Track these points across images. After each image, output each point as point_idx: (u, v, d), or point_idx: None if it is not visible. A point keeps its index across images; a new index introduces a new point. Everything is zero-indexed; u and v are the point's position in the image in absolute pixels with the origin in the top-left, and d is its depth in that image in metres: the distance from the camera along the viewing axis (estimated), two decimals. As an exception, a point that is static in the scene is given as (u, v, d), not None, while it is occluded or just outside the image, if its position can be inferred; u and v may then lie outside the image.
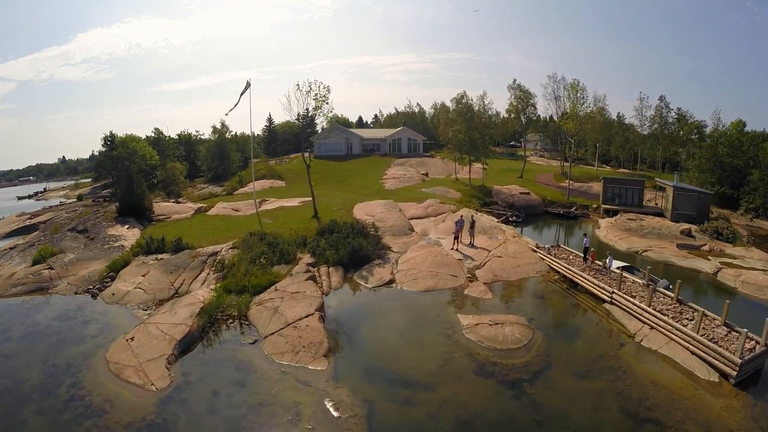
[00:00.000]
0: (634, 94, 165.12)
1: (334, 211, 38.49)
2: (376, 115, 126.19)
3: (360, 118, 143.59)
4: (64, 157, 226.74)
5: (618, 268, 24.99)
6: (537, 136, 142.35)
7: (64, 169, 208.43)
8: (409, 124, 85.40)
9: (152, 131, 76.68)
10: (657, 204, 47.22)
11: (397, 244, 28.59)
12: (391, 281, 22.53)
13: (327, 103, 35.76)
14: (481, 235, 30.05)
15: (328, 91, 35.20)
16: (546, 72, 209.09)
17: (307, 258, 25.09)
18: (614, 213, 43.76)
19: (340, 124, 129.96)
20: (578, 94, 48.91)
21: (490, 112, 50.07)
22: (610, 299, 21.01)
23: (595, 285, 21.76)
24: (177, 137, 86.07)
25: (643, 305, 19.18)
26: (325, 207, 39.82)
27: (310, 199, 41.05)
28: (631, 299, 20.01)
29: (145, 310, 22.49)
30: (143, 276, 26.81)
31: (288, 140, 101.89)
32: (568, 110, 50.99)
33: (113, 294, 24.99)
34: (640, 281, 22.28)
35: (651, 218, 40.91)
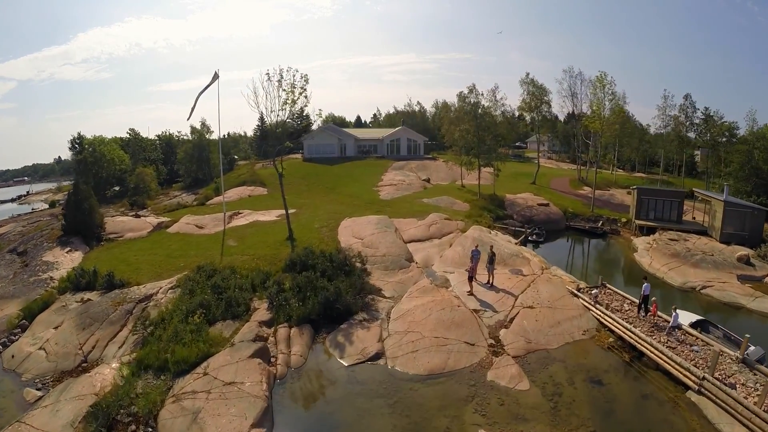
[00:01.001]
0: (636, 94, 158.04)
1: (315, 229, 31.73)
2: (375, 115, 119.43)
3: (358, 118, 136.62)
4: (60, 157, 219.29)
5: (691, 324, 18.25)
6: (544, 137, 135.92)
7: (59, 169, 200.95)
8: (409, 124, 78.66)
9: (127, 132, 70.01)
10: (694, 218, 40.42)
11: (390, 283, 21.80)
12: (379, 354, 15.66)
13: (304, 96, 28.92)
14: (500, 266, 23.26)
15: (306, 81, 28.39)
16: (549, 71, 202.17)
17: (263, 310, 18.31)
18: (649, 230, 36.93)
19: (335, 124, 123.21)
20: (606, 89, 42.00)
21: (504, 109, 43.05)
22: (698, 387, 14.26)
23: (676, 365, 14.98)
24: (156, 138, 79.40)
25: (751, 406, 12.52)
26: (305, 224, 33.08)
27: (291, 211, 34.54)
28: (731, 392, 13.29)
29: (39, 390, 15.83)
30: (55, 329, 20.16)
31: (283, 140, 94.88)
32: (590, 108, 44.06)
33: (13, 356, 18.47)
34: (733, 354, 15.55)
35: (696, 238, 34.06)
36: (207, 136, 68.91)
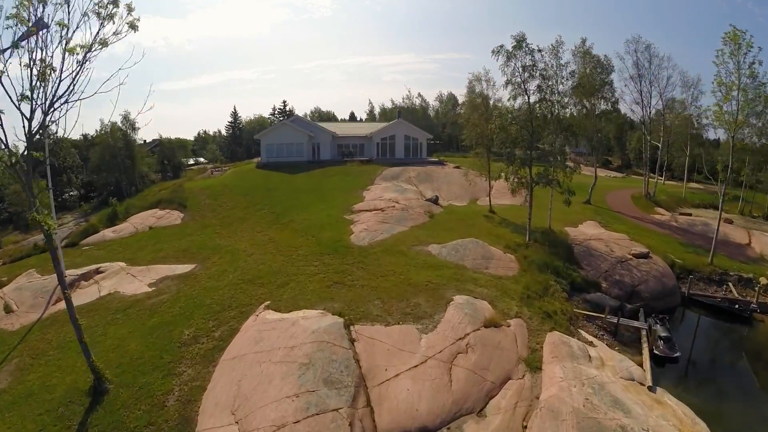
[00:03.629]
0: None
1: (165, 354, 13.61)
2: (369, 111, 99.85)
3: (352, 115, 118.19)
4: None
5: None
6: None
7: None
8: (408, 119, 60.44)
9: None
10: None
11: None
12: None
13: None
14: None
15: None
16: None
17: None
18: None
19: (321, 119, 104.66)
20: (744, 57, 23.44)
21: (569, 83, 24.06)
22: None
23: None
24: (81, 138, 61.44)
25: None
26: (163, 327, 15.07)
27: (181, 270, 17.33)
28: None
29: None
30: None
31: (258, 141, 76.74)
32: (720, 87, 25.13)
33: None
34: None
35: None
36: (133, 135, 50.72)
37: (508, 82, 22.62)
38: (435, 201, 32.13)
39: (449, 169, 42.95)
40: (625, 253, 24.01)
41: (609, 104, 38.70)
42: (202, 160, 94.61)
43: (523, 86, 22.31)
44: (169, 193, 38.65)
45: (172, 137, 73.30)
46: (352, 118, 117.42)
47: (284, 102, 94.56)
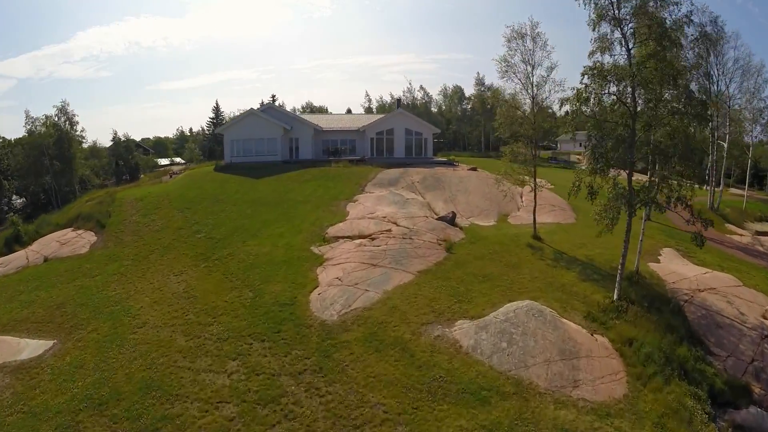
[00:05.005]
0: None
1: None
2: (369, 106, 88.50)
3: (348, 111, 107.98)
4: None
5: None
6: (576, 134, 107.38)
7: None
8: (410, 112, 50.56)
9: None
10: None
11: None
12: None
13: None
14: None
15: None
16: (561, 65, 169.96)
17: None
18: None
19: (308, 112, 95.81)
20: None
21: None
22: None
23: None
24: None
25: None
26: None
27: (38, 350, 14.54)
28: None
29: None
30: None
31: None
32: None
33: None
34: None
35: None
36: (71, 130, 40.95)
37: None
38: (451, 220, 22.18)
39: (464, 172, 33.04)
40: (762, 315, 14.22)
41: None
42: (179, 160, 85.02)
43: (620, 25, 12.45)
44: (94, 206, 28.86)
45: (152, 137, 64.33)
46: (348, 114, 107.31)
47: (273, 96, 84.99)
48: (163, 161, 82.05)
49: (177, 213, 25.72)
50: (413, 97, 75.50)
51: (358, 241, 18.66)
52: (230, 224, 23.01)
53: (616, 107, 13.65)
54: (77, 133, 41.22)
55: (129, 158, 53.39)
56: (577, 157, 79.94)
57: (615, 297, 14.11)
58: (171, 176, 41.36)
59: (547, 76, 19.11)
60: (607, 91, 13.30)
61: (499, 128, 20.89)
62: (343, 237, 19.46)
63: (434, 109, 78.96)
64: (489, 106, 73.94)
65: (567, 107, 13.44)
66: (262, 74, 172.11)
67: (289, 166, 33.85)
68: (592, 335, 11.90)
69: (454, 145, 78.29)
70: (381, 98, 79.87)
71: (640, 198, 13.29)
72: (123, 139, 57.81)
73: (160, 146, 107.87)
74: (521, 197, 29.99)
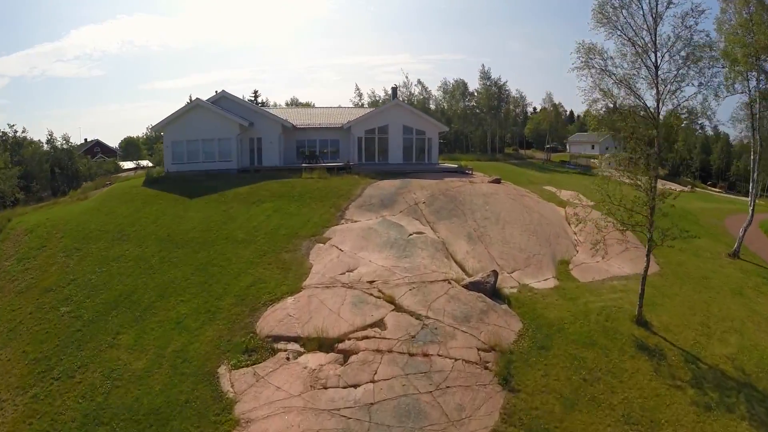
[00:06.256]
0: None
1: None
2: (359, 101, 78.61)
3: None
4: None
5: None
6: (588, 134, 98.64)
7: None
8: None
9: None
10: None
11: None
12: None
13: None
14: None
15: None
16: (555, 61, 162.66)
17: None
18: None
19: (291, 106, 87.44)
20: None
21: None
22: None
23: None
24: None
25: None
26: None
27: None
28: None
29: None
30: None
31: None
32: None
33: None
34: None
35: None
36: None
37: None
38: (492, 288, 12.99)
39: (486, 186, 23.89)
40: None
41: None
42: (145, 163, 75.47)
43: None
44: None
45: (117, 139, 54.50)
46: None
47: (255, 92, 75.58)
48: (129, 165, 72.39)
49: (61, 258, 16.56)
50: (410, 92, 66.23)
51: (312, 363, 9.50)
52: (118, 287, 13.84)
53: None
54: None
55: (69, 164, 43.76)
56: (593, 161, 71.27)
57: None
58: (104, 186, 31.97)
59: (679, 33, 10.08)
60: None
61: (591, 122, 11.84)
62: (286, 340, 10.31)
63: (432, 106, 69.72)
64: (496, 103, 65.16)
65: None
66: (257, 74, 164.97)
67: (244, 177, 24.60)
68: None
69: (455, 147, 69.60)
70: (373, 93, 70.40)
71: None
72: (62, 141, 48.02)
73: (131, 147, 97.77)
74: (567, 221, 21.07)
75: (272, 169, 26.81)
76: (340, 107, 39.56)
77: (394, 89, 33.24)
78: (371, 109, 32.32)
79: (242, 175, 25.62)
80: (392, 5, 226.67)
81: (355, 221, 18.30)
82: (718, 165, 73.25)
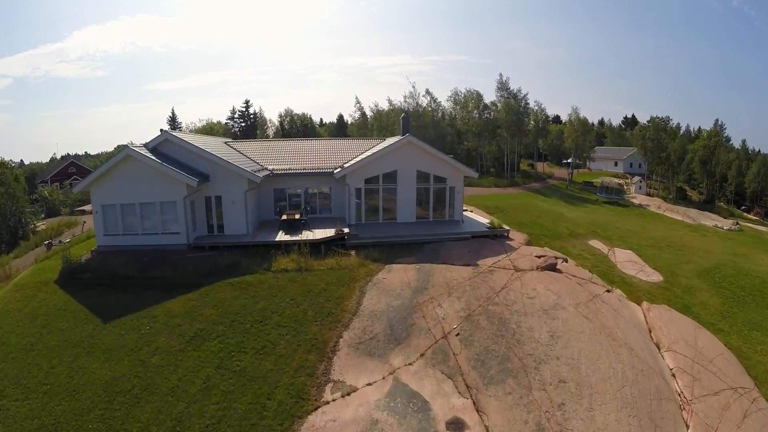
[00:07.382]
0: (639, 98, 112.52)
1: None
2: (362, 116, 67.71)
3: (340, 118, 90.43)
4: (55, 154, 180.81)
5: None
6: (610, 148, 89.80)
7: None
8: (418, 133, 33.58)
9: None
10: None
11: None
12: None
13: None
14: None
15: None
16: (557, 61, 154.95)
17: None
18: None
19: (302, 126, 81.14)
20: None
21: None
22: None
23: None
24: None
25: None
26: None
27: None
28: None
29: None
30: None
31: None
32: None
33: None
34: None
35: None
36: None
37: None
38: None
39: (543, 289, 16.19)
40: None
41: None
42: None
43: None
44: None
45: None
46: (341, 120, 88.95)
47: (247, 102, 68.28)
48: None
49: None
50: (417, 103, 58.00)
51: None
52: None
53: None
54: None
55: (12, 209, 35.04)
56: (624, 181, 62.06)
57: None
58: (49, 247, 24.58)
59: None
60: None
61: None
62: None
63: (437, 117, 60.92)
64: (517, 117, 57.21)
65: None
66: (258, 75, 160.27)
67: (190, 270, 17.02)
68: None
69: (468, 164, 61.64)
70: (377, 105, 62.13)
71: None
72: (14, 168, 40.27)
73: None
74: (650, 335, 13.66)
75: (235, 244, 19.23)
76: (332, 140, 31.69)
77: (406, 119, 25.43)
78: (374, 149, 24.60)
79: (193, 257, 18.12)
80: (393, 6, 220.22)
81: (347, 393, 10.77)
82: (753, 189, 65.07)
